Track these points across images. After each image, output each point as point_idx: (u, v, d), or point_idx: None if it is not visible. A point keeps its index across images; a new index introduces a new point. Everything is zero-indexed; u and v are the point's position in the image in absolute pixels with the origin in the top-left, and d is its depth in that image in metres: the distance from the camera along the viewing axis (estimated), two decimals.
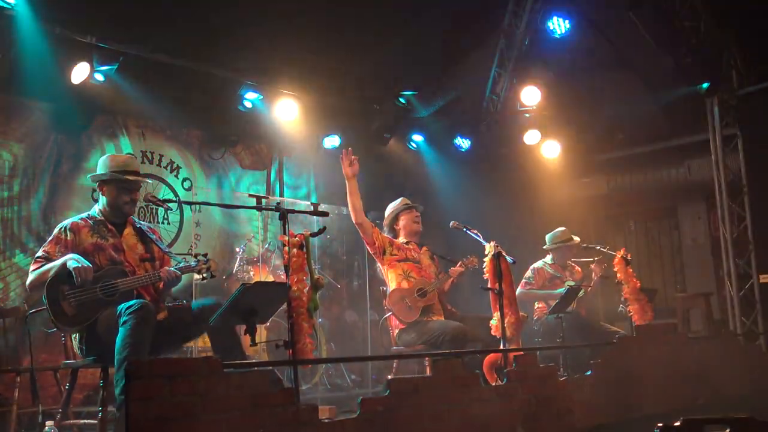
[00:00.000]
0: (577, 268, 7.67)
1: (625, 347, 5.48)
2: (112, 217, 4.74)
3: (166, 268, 4.66)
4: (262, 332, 7.11)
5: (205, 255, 4.75)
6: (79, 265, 4.27)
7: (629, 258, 6.75)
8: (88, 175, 4.90)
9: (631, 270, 6.70)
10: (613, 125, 10.31)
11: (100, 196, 4.80)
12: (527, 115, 10.03)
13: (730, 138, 9.31)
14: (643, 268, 11.15)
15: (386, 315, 6.18)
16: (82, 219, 4.69)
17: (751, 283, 9.04)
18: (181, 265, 4.72)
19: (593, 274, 7.25)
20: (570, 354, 6.49)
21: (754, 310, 8.98)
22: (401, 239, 6.32)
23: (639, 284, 6.67)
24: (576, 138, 10.36)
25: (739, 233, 9.20)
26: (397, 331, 6.05)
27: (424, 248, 6.44)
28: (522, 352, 4.85)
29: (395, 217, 6.42)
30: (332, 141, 9.60)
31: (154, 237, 4.87)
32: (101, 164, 4.79)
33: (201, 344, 6.36)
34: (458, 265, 6.17)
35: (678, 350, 5.95)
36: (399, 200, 6.49)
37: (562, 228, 7.60)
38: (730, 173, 9.28)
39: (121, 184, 4.71)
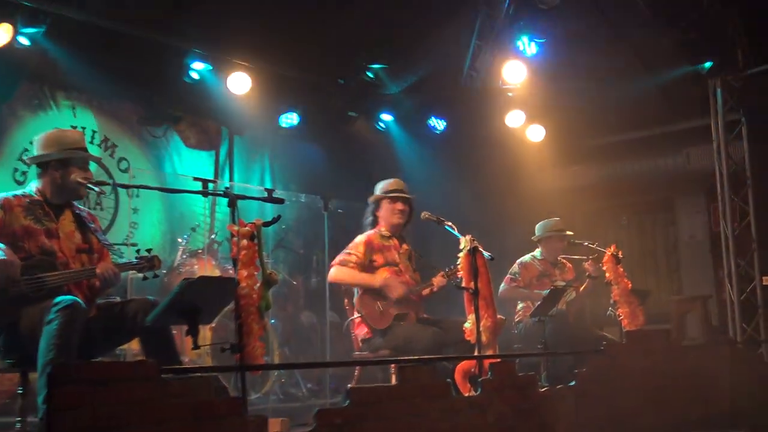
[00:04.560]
0: (569, 265, 7.73)
1: (614, 355, 5.53)
2: (53, 199, 4.68)
3: (104, 263, 4.62)
4: (206, 334, 7.09)
5: (148, 251, 4.72)
6: (5, 258, 4.20)
7: (620, 256, 6.81)
8: (31, 154, 4.81)
9: (621, 269, 6.76)
10: (606, 107, 10.37)
11: (39, 176, 4.71)
12: (510, 93, 10.03)
13: (733, 124, 9.39)
14: (636, 267, 11.28)
15: (352, 318, 6.19)
16: (16, 196, 4.60)
17: (754, 286, 9.10)
18: (120, 262, 4.68)
19: (587, 274, 7.31)
20: (552, 362, 6.54)
21: (756, 316, 9.04)
22: (382, 230, 6.34)
23: (630, 285, 6.74)
24: (564, 121, 10.41)
25: (741, 230, 9.26)
26: (362, 336, 6.07)
27: (405, 246, 6.44)
28: (499, 359, 4.87)
29: (377, 204, 6.42)
30: (290, 119, 9.57)
31: (93, 226, 4.82)
32: (48, 141, 4.68)
33: (136, 347, 6.31)
34: (440, 275, 6.19)
35: (672, 359, 6.02)
36: (388, 182, 6.45)
37: (556, 218, 7.67)
38: (732, 163, 9.35)
39: (76, 164, 4.65)
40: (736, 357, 7.20)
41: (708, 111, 9.48)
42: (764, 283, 8.88)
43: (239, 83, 8.65)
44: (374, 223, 6.43)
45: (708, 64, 9.15)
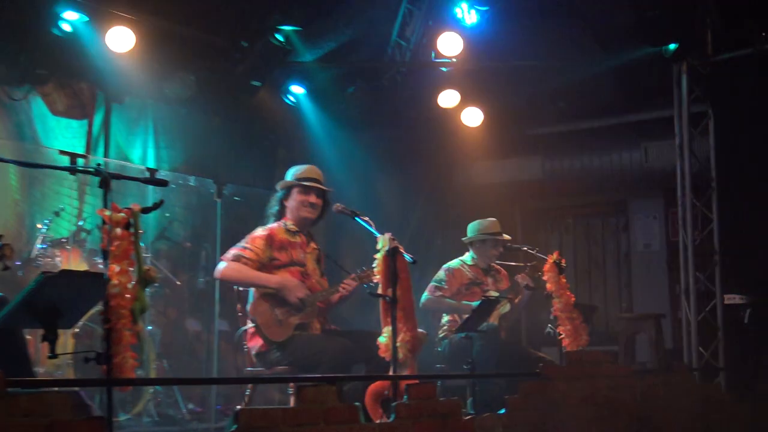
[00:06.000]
0: (504, 273, 7.79)
1: (551, 379, 5.60)
2: None
3: None
4: (67, 340, 7.00)
5: None
6: None
7: (563, 264, 6.90)
8: None
9: (564, 280, 6.86)
10: (553, 91, 10.49)
11: None
12: (444, 69, 10.10)
13: (699, 116, 9.50)
14: (581, 277, 11.49)
15: (245, 327, 6.14)
16: None
17: (714, 304, 9.20)
18: None
19: (523, 284, 7.38)
20: (480, 385, 6.60)
21: (714, 339, 9.16)
22: (288, 223, 6.29)
23: (574, 298, 6.84)
24: (505, 104, 10.49)
25: (702, 240, 9.38)
26: (257, 350, 6.02)
27: (313, 245, 6.41)
28: (417, 381, 4.89)
29: (286, 192, 6.36)
30: None
31: None
32: None
33: None
34: (351, 277, 6.17)
35: (618, 385, 6.12)
36: (303, 168, 6.41)
37: (492, 218, 7.72)
38: (696, 162, 9.48)
39: None
40: (691, 386, 7.38)
41: (670, 101, 9.57)
42: (726, 302, 8.91)
43: (120, 39, 8.50)
44: (280, 215, 6.38)
45: (672, 46, 9.25)
